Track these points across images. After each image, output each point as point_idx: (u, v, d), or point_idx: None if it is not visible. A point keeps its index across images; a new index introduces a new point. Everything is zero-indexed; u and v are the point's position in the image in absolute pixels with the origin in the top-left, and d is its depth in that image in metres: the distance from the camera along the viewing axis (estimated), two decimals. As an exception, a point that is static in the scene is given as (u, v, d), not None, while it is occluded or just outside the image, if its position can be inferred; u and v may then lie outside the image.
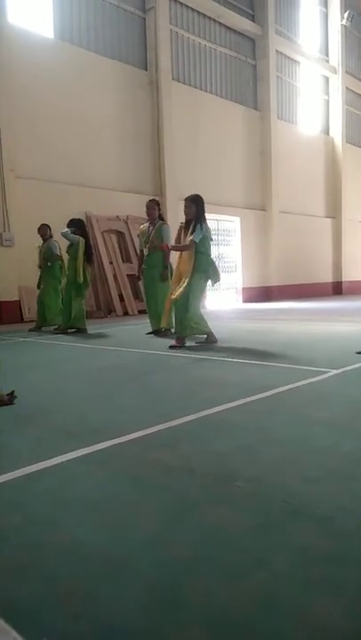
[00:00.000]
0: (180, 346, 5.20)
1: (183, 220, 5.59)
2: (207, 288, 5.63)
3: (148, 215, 6.43)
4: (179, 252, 5.46)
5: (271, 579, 1.20)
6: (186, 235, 5.41)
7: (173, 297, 5.38)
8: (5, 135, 8.88)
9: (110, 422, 2.58)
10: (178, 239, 5.59)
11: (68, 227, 7.00)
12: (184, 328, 5.29)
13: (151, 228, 6.32)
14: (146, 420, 2.59)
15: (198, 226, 5.32)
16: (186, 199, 5.49)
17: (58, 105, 9.73)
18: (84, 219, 9.85)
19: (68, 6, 10.04)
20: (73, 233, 6.91)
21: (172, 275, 6.40)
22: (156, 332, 6.32)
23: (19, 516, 1.56)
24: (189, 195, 5.51)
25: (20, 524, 1.51)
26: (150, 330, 6.43)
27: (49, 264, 7.53)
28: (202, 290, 5.54)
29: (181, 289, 5.28)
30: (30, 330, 7.50)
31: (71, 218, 7.18)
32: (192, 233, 5.31)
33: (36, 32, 9.51)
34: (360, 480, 1.76)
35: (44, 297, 7.59)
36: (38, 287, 7.80)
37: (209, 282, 5.60)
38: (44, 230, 7.62)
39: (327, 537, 1.39)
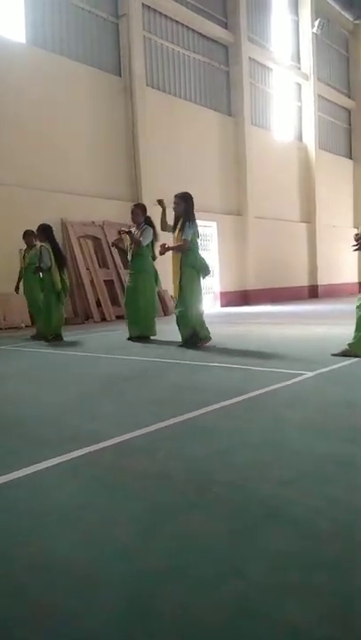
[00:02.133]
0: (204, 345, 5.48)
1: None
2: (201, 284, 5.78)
3: (132, 220, 6.42)
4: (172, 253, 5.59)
5: (246, 586, 1.19)
6: (174, 231, 5.58)
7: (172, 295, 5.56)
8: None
9: (84, 430, 2.55)
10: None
11: (37, 232, 6.95)
12: (194, 327, 5.54)
13: (137, 232, 6.31)
14: (121, 426, 2.56)
15: (187, 223, 5.48)
16: (175, 196, 5.63)
17: (31, 111, 9.64)
18: (59, 225, 9.78)
19: (40, 11, 9.98)
20: (41, 241, 6.91)
21: (157, 279, 6.43)
22: (137, 338, 6.31)
23: (-11, 528, 1.52)
24: (179, 192, 5.63)
25: (-10, 536, 1.48)
26: (129, 335, 6.41)
27: (39, 273, 7.02)
28: (197, 285, 5.64)
29: (177, 291, 5.53)
30: (32, 337, 7.27)
31: (39, 224, 7.08)
32: (180, 230, 5.47)
33: (6, 37, 9.42)
34: (334, 482, 1.77)
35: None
36: (16, 291, 7.64)
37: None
38: (30, 238, 7.43)
39: (302, 541, 1.38)
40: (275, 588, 1.18)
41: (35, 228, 7.10)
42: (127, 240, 6.40)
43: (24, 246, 7.65)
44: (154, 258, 6.42)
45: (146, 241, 6.24)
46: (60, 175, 10.14)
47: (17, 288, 7.67)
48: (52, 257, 6.75)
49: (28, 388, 3.80)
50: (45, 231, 6.92)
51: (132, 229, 6.43)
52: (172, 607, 1.12)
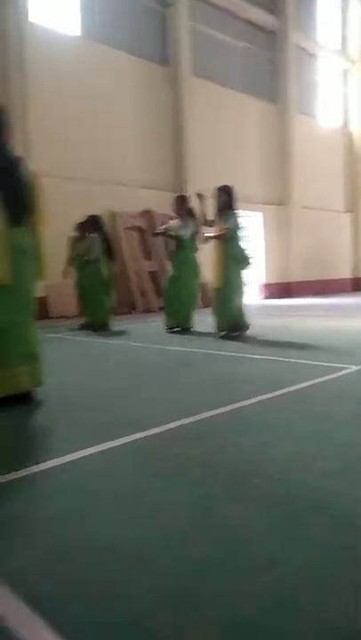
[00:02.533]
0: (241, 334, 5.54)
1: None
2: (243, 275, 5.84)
3: (174, 211, 6.48)
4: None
5: (286, 578, 1.22)
6: (218, 223, 5.61)
7: (213, 287, 5.63)
8: (32, 135, 8.99)
9: (132, 417, 2.63)
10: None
11: (86, 223, 7.11)
12: (235, 319, 5.57)
13: (178, 224, 6.39)
14: (167, 415, 2.63)
15: (229, 213, 5.54)
16: (217, 189, 5.67)
17: (80, 102, 9.80)
18: (107, 216, 9.92)
19: (93, 3, 10.12)
20: (90, 233, 7.05)
21: (197, 273, 6.49)
22: (173, 329, 6.41)
23: (47, 507, 1.62)
24: (221, 185, 5.67)
25: (48, 515, 1.57)
26: (166, 326, 6.50)
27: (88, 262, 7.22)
28: (237, 277, 5.66)
29: (219, 282, 5.52)
30: (80, 326, 7.41)
31: (88, 215, 7.25)
32: (222, 220, 5.53)
33: (59, 30, 9.60)
34: (381, 477, 1.78)
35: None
36: (64, 276, 7.69)
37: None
38: (84, 229, 7.44)
39: (344, 534, 1.40)
40: (315, 580, 1.20)
41: (85, 220, 7.27)
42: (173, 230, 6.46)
43: (73, 234, 7.76)
44: (195, 250, 6.47)
45: (187, 234, 6.29)
46: (108, 166, 10.29)
47: (65, 273, 7.73)
48: (101, 248, 6.90)
49: (78, 375, 3.93)
50: (95, 222, 7.08)
51: (171, 222, 6.50)
52: (216, 595, 1.16)
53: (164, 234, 6.50)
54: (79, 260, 7.36)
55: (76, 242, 7.58)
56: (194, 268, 6.47)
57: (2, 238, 2.79)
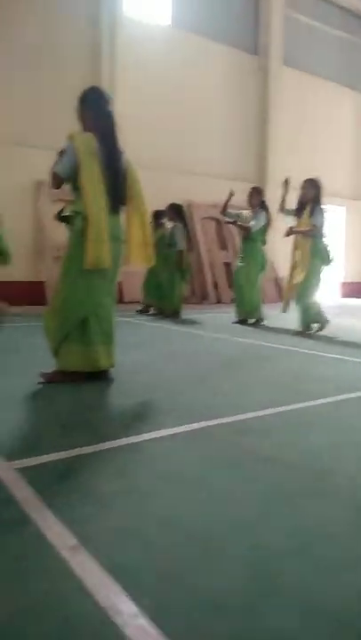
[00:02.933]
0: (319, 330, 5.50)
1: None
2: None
3: (248, 202, 6.41)
4: (294, 237, 5.53)
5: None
6: (298, 216, 5.51)
7: (295, 282, 5.51)
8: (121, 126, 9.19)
9: (203, 404, 2.64)
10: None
11: (167, 211, 7.18)
12: (309, 315, 5.49)
13: (250, 215, 6.32)
14: (238, 406, 2.62)
15: (318, 209, 5.40)
16: (305, 181, 5.53)
17: (165, 92, 9.87)
18: (185, 206, 9.98)
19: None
20: (170, 219, 7.12)
21: (264, 266, 6.38)
22: (242, 322, 6.35)
23: (121, 484, 1.66)
24: (309, 177, 5.54)
25: (122, 490, 1.61)
26: (237, 319, 6.46)
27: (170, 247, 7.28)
28: (319, 275, 5.57)
29: (302, 277, 5.39)
30: (139, 311, 7.58)
31: (170, 203, 7.31)
32: (311, 215, 5.38)
33: (150, 20, 9.69)
34: None
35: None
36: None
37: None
38: (160, 218, 7.53)
39: None
40: None
41: (167, 207, 7.34)
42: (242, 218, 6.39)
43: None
44: (264, 242, 6.37)
45: (257, 226, 6.20)
46: (187, 156, 10.31)
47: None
48: (185, 237, 6.99)
49: (149, 359, 4.00)
50: (178, 210, 7.14)
51: (244, 212, 6.41)
52: (294, 584, 1.14)
53: (234, 223, 6.42)
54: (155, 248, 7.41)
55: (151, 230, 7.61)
56: (261, 261, 6.37)
57: (105, 225, 2.87)
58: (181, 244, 7.00)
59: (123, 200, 3.08)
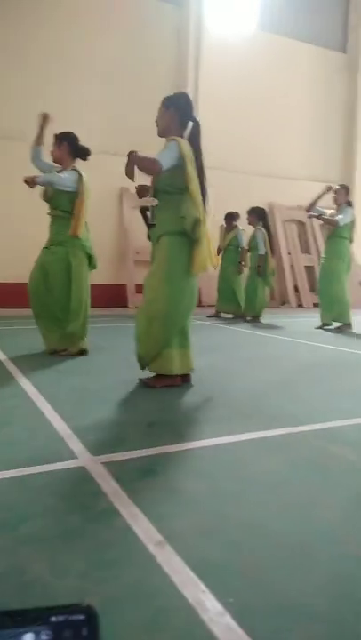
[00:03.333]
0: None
1: None
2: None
3: (334, 201, 6.23)
4: None
5: None
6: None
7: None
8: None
9: (286, 410, 2.60)
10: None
11: (249, 214, 7.14)
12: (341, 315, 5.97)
13: (335, 213, 6.14)
14: (322, 413, 2.55)
15: (347, 209, 5.88)
16: (340, 186, 5.99)
17: (250, 95, 9.85)
18: (266, 208, 9.91)
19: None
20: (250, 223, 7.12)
21: (349, 265, 6.17)
22: (326, 326, 6.20)
23: (204, 484, 1.68)
24: (342, 183, 5.85)
25: (205, 491, 1.63)
26: (320, 324, 6.29)
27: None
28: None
29: None
30: (209, 316, 7.64)
31: (252, 206, 7.28)
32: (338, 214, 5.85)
33: (235, 25, 9.71)
34: None
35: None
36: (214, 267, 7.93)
37: None
38: (231, 220, 7.59)
39: None
40: None
41: (232, 212, 7.35)
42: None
43: (222, 225, 7.88)
44: (351, 240, 6.15)
45: (344, 220, 5.98)
46: (270, 158, 10.21)
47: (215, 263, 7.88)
48: (267, 241, 6.95)
49: (229, 363, 4.00)
50: (260, 214, 7.11)
51: (328, 211, 6.20)
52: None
53: (319, 217, 6.20)
54: (228, 251, 7.43)
55: (225, 232, 7.62)
56: (347, 260, 6.14)
57: (206, 227, 2.93)
58: (262, 248, 6.96)
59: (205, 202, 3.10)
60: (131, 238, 8.82)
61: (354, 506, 1.55)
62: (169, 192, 2.94)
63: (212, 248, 3.05)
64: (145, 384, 3.02)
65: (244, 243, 7.36)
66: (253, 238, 7.09)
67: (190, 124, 3.04)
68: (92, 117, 8.50)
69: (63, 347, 3.98)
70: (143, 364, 3.04)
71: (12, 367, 3.47)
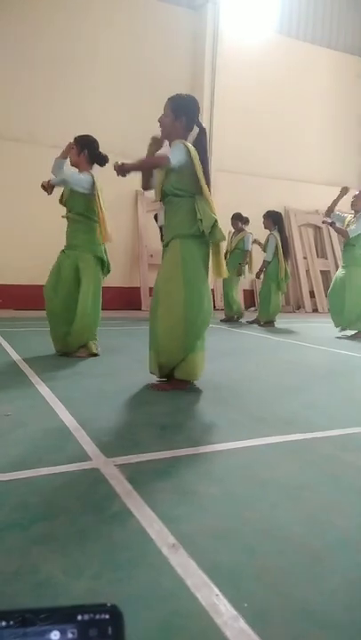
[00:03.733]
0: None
1: None
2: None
3: (352, 206, 6.15)
4: None
5: None
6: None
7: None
8: (215, 132, 9.33)
9: (300, 416, 2.58)
10: None
11: (265, 218, 7.11)
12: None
13: (352, 219, 6.07)
14: (338, 420, 2.53)
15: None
16: (359, 192, 5.97)
17: (267, 99, 9.85)
18: (282, 212, 9.89)
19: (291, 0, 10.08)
20: (266, 227, 7.08)
21: None
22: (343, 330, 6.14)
23: (217, 488, 1.67)
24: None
25: (219, 494, 1.62)
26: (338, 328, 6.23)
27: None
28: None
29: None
30: (222, 320, 7.64)
31: (268, 210, 7.26)
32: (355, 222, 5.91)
33: (253, 30, 9.72)
34: None
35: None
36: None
37: None
38: (236, 222, 7.56)
39: None
40: None
41: (259, 215, 7.31)
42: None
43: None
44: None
45: (356, 231, 5.88)
46: (287, 162, 10.19)
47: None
48: (280, 246, 6.90)
49: (242, 367, 3.98)
50: (275, 218, 7.06)
51: (348, 216, 6.14)
52: None
53: (332, 224, 6.13)
54: (233, 254, 7.36)
55: (233, 236, 7.56)
56: None
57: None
58: (270, 255, 6.93)
59: None
60: (145, 241, 8.86)
61: (370, 512, 1.53)
62: (179, 195, 2.91)
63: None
64: (156, 387, 3.00)
65: (249, 246, 7.32)
66: (266, 243, 7.07)
67: (196, 129, 3.00)
68: (107, 120, 8.56)
69: (71, 349, 4.00)
70: (163, 374, 2.99)
71: (26, 368, 3.50)
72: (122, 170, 2.90)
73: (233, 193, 9.50)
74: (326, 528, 1.43)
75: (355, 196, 6.11)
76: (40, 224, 7.65)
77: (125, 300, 8.65)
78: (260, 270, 7.08)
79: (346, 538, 1.38)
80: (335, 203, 6.05)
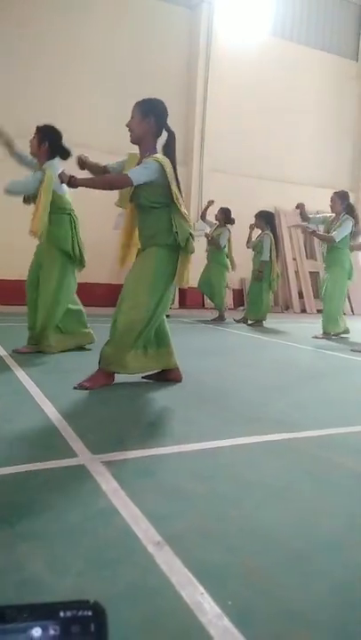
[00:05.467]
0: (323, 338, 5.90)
1: None
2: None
3: (331, 209, 6.11)
4: None
5: None
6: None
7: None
8: (208, 133, 9.33)
9: (287, 415, 2.59)
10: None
11: (258, 218, 7.12)
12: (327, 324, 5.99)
13: (336, 222, 6.01)
14: (321, 420, 2.55)
15: (345, 221, 5.84)
16: (334, 193, 6.10)
17: (260, 100, 9.86)
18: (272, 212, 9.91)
19: (286, 0, 10.08)
20: (258, 226, 7.09)
21: (351, 274, 6.12)
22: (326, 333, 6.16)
23: (204, 486, 1.67)
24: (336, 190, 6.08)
25: (204, 493, 1.62)
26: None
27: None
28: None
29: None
30: (213, 320, 7.65)
31: (260, 210, 7.28)
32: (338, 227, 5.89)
33: (246, 31, 9.73)
34: None
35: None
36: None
37: None
38: (221, 214, 7.46)
39: None
40: None
41: (250, 215, 7.32)
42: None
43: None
44: (352, 249, 6.09)
45: (339, 236, 5.84)
46: (279, 163, 10.22)
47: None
48: (273, 246, 6.93)
49: (228, 366, 3.99)
50: (267, 219, 7.08)
51: (328, 215, 6.16)
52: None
53: (313, 233, 6.09)
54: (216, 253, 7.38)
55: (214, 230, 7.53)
56: (348, 269, 6.06)
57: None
58: (267, 254, 6.95)
59: None
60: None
61: (354, 513, 1.54)
62: (156, 207, 2.94)
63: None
64: (80, 386, 2.93)
65: (224, 241, 7.28)
66: (260, 243, 7.07)
67: (165, 133, 2.98)
68: (101, 119, 8.51)
69: (32, 343, 3.96)
70: (104, 364, 2.98)
71: (13, 364, 3.47)
72: (73, 184, 2.92)
73: (224, 193, 9.50)
74: (312, 528, 1.44)
75: (331, 199, 6.10)
76: (22, 218, 7.58)
77: (116, 296, 8.60)
78: (260, 271, 7.06)
79: (331, 538, 1.39)
80: (306, 218, 6.21)
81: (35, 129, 3.86)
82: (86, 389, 2.87)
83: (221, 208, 7.38)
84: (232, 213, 7.49)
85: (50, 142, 3.81)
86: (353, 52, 10.98)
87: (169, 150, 2.95)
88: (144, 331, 2.96)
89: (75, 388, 2.89)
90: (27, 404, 2.53)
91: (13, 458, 1.82)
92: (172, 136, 2.97)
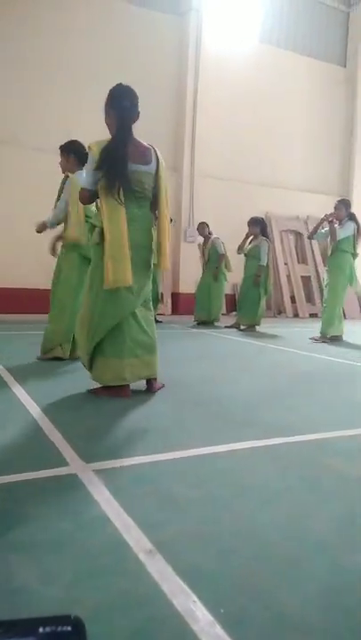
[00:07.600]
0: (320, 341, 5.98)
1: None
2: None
3: (335, 216, 6.22)
4: None
5: None
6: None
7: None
8: (199, 138, 9.38)
9: (280, 420, 2.59)
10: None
11: (251, 225, 7.16)
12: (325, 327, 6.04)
13: (339, 228, 6.13)
14: (317, 424, 2.54)
15: (347, 224, 6.01)
16: (338, 201, 6.23)
17: (249, 106, 9.93)
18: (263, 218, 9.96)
19: (274, 8, 10.16)
20: (253, 233, 7.14)
21: (351, 280, 6.18)
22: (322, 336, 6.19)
23: (196, 493, 1.66)
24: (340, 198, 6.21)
25: (197, 499, 1.61)
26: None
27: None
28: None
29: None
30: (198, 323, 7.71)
31: (253, 217, 7.30)
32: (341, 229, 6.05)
33: (235, 38, 9.79)
34: None
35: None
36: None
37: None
38: (204, 229, 7.63)
39: None
40: None
41: (243, 221, 7.36)
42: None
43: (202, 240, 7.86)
44: (355, 256, 6.16)
45: (344, 233, 6.00)
46: (269, 169, 10.28)
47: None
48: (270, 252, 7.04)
49: (223, 371, 3.99)
50: (262, 225, 7.15)
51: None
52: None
53: (331, 221, 6.13)
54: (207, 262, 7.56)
55: (203, 245, 7.65)
56: (349, 274, 6.12)
57: (125, 241, 2.75)
58: (264, 259, 7.02)
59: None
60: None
61: (350, 518, 1.54)
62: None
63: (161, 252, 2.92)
64: (93, 393, 2.93)
65: (222, 249, 7.44)
66: (257, 248, 7.10)
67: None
68: (91, 125, 8.49)
69: (45, 349, 3.96)
70: (83, 360, 2.99)
71: (4, 373, 3.45)
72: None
73: (214, 198, 9.55)
74: (305, 533, 1.43)
75: (335, 207, 6.21)
76: (20, 225, 7.57)
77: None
78: (258, 276, 7.08)
79: (324, 543, 1.38)
80: (317, 227, 6.36)
81: (59, 150, 4.06)
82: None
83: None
84: (222, 219, 7.55)
85: (75, 153, 3.98)
86: (340, 58, 11.09)
87: (121, 129, 2.83)
88: (95, 333, 2.83)
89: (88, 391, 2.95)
90: (18, 413, 2.51)
91: (4, 467, 1.80)
92: (125, 111, 2.87)
